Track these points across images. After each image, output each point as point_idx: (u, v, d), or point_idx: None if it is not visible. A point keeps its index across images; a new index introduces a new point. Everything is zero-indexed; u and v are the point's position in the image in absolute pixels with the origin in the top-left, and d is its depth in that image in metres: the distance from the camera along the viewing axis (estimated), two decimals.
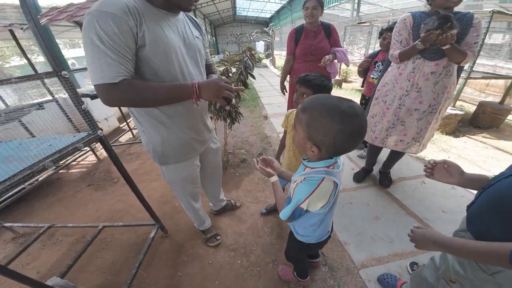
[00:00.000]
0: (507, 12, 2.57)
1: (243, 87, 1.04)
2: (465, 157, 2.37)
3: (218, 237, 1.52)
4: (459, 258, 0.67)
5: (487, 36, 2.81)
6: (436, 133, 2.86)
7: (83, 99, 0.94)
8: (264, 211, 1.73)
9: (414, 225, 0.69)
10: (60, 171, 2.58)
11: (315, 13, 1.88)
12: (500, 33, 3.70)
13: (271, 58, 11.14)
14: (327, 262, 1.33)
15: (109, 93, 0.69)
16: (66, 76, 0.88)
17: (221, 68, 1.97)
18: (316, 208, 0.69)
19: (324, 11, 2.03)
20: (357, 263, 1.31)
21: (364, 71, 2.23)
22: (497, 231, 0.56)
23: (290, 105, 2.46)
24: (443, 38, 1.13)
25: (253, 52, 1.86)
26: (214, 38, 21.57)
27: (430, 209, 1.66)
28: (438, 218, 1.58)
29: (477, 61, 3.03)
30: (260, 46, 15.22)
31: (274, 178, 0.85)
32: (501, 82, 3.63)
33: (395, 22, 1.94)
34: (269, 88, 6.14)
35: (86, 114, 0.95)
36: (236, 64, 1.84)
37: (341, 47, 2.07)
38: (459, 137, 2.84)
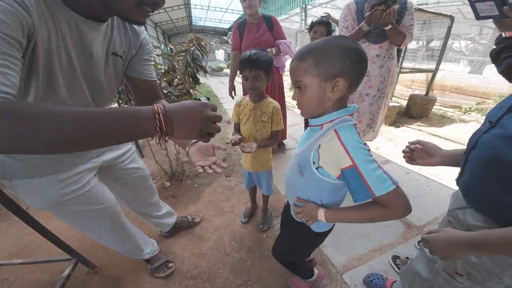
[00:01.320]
0: (427, 10, 3.05)
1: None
2: None
3: (170, 265, 1.19)
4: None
5: None
6: (382, 126, 3.14)
7: None
8: (245, 220, 1.48)
9: (424, 229, 0.56)
10: None
11: (253, 4, 1.84)
12: (414, 40, 4.48)
13: None
14: None
15: None
16: None
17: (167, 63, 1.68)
18: None
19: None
20: (339, 266, 1.17)
21: None
22: (508, 196, 0.46)
23: None
24: (387, 14, 1.17)
25: (202, 42, 1.63)
26: (169, 48, 20.49)
27: None
28: None
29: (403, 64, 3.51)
30: (220, 54, 15.09)
31: (322, 214, 0.62)
32: (423, 77, 4.35)
33: (323, 17, 2.03)
34: None
35: None
36: (182, 55, 1.58)
37: (285, 39, 2.04)
38: (399, 127, 3.21)
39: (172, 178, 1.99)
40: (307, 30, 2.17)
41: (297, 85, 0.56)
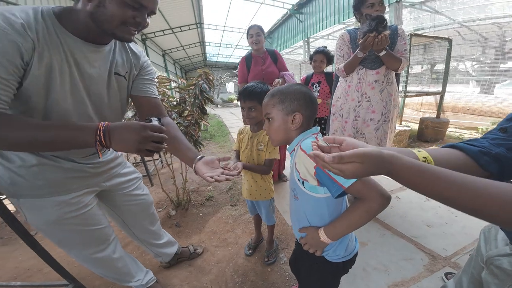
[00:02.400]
0: (423, 34, 3.16)
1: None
2: None
3: None
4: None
5: (409, 68, 3.40)
6: None
7: None
8: (250, 252, 1.40)
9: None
10: None
11: (260, 39, 2.01)
12: (418, 64, 4.58)
13: None
14: None
15: None
16: None
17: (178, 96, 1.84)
18: None
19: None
20: None
21: None
22: None
23: None
24: (379, 40, 1.22)
25: (210, 76, 1.78)
26: (185, 83, 22.46)
27: (415, 225, 1.56)
28: (426, 234, 1.46)
29: (407, 88, 3.55)
30: (230, 87, 16.28)
31: (322, 233, 0.63)
32: (432, 100, 4.30)
33: (322, 46, 2.18)
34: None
35: None
36: (191, 88, 1.72)
37: (287, 70, 2.18)
38: None
39: (178, 207, 1.98)
40: (309, 61, 2.34)
41: (267, 116, 0.70)
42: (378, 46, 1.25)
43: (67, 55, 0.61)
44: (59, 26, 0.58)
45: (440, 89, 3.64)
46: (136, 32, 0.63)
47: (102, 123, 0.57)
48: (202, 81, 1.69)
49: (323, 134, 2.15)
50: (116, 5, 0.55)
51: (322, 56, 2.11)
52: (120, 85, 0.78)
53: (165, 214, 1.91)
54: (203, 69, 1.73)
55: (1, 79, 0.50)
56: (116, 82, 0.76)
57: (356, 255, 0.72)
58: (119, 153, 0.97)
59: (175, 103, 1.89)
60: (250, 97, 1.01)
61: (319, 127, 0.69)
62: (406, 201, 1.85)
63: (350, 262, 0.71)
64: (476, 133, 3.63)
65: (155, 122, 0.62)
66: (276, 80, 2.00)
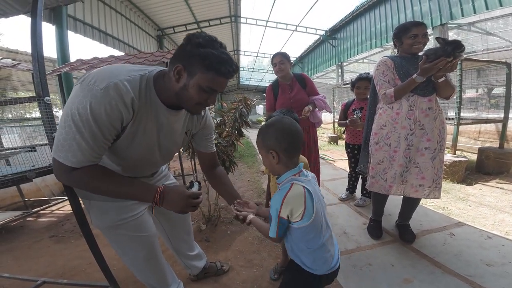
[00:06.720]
0: (476, 59, 2.89)
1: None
2: (487, 204, 2.17)
3: None
4: None
5: (461, 92, 3.10)
6: (447, 182, 2.74)
7: None
8: (275, 276, 1.36)
9: None
10: (28, 219, 2.40)
11: (283, 67, 1.91)
12: (472, 88, 4.12)
13: None
14: None
15: (66, 174, 0.64)
16: (48, 102, 0.90)
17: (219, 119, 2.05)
18: (297, 216, 0.72)
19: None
20: None
21: (344, 119, 2.25)
22: None
23: None
24: (451, 65, 1.15)
25: (248, 101, 1.95)
26: (219, 105, 24.63)
27: (472, 264, 1.36)
28: (484, 273, 1.28)
29: (461, 114, 3.16)
30: (259, 109, 17.02)
31: (250, 216, 0.86)
32: (492, 128, 3.74)
33: (364, 73, 2.10)
34: None
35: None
36: (232, 112, 1.90)
37: (318, 94, 2.02)
38: (472, 185, 2.70)
39: (208, 222, 2.05)
40: (345, 85, 2.30)
41: (261, 154, 0.84)
42: (446, 71, 1.19)
43: (153, 119, 0.74)
44: (154, 92, 0.71)
45: (501, 115, 3.19)
46: (205, 108, 0.84)
47: (160, 187, 0.73)
48: (242, 106, 1.86)
49: (357, 161, 2.03)
50: (195, 90, 0.68)
51: (367, 83, 2.00)
52: (184, 140, 0.96)
53: (196, 227, 2.00)
54: (243, 95, 1.91)
55: (106, 140, 0.65)
56: (182, 138, 0.93)
57: (334, 273, 0.79)
58: (165, 166, 1.13)
59: (215, 124, 2.08)
60: None
61: (302, 164, 0.80)
62: (462, 238, 1.63)
63: (327, 277, 0.79)
64: None
65: (196, 186, 0.79)
66: (306, 108, 1.88)
